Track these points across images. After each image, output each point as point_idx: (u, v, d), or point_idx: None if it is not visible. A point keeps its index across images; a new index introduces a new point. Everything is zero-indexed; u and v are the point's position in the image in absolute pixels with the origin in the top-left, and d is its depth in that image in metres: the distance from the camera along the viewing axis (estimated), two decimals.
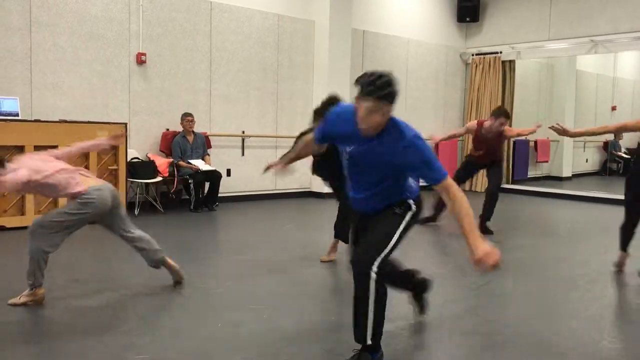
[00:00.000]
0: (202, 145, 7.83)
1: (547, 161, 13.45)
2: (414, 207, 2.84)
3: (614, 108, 14.90)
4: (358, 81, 2.58)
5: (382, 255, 2.67)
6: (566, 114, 13.23)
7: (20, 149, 6.01)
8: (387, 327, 2.82)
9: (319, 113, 4.46)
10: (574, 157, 13.76)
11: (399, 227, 2.77)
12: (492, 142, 6.55)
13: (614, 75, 14.89)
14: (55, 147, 6.15)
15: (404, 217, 2.81)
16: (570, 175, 13.60)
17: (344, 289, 4.36)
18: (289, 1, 9.08)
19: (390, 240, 2.72)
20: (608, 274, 4.86)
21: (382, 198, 2.82)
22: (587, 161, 14.73)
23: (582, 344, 3.25)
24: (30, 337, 3.26)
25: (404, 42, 10.74)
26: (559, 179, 13.35)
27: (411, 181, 2.88)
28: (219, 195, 7.87)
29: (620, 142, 14.44)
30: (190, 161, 7.57)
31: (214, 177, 7.68)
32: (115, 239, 4.02)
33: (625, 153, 14.41)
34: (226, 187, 8.28)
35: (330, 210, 8.28)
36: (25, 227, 3.87)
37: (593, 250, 5.90)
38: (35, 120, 6.33)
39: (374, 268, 2.64)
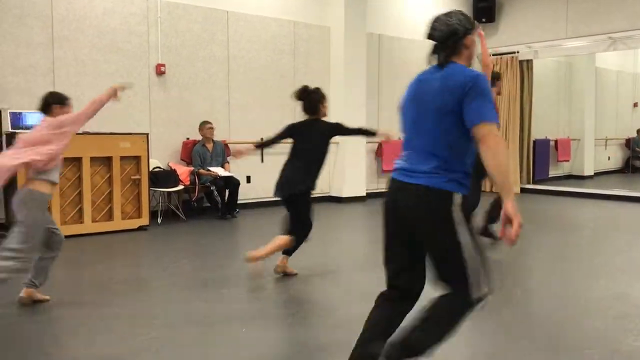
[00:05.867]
0: (222, 153, 7.92)
1: (568, 160, 13.33)
2: None
3: (635, 104, 14.71)
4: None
5: None
6: (586, 112, 13.11)
7: None
8: None
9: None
10: (596, 155, 13.60)
11: None
12: None
13: (635, 72, 14.71)
14: (79, 159, 6.37)
15: None
16: (592, 173, 13.45)
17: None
18: (304, 8, 9.16)
19: None
20: (632, 271, 4.82)
21: None
22: (609, 159, 14.55)
23: (604, 341, 3.23)
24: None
25: (419, 45, 10.74)
26: (581, 177, 13.21)
27: None
28: (240, 202, 7.95)
29: None
30: (210, 168, 7.66)
31: (232, 183, 7.76)
32: None
33: None
34: (247, 194, 8.36)
35: (347, 213, 8.31)
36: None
37: (617, 248, 5.84)
38: None
39: None
